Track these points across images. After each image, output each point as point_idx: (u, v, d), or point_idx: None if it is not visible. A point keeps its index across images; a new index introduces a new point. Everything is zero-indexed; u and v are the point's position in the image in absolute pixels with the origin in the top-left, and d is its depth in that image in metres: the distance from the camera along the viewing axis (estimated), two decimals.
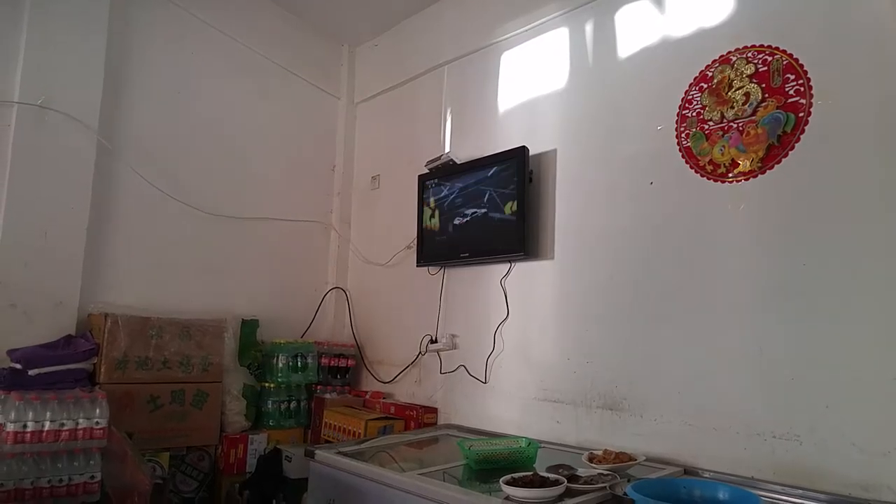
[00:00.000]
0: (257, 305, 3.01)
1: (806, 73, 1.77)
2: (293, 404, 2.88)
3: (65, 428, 1.88)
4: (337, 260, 3.44)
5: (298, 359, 2.89)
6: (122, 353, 2.32)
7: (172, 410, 2.44)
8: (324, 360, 3.02)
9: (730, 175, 1.90)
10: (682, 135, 2.04)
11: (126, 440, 2.06)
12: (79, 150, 2.43)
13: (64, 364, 2.19)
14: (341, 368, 3.10)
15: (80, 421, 1.92)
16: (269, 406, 2.81)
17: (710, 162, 1.95)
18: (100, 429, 1.94)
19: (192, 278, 2.83)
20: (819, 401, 1.65)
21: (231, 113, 3.06)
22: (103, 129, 2.51)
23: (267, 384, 2.83)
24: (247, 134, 3.12)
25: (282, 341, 2.89)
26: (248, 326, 2.89)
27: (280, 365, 2.84)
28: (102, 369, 2.28)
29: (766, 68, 1.86)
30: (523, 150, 2.42)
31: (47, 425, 1.85)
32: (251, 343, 2.88)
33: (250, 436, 2.67)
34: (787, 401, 1.71)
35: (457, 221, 2.67)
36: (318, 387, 2.98)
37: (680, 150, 2.03)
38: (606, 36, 2.32)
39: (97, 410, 1.95)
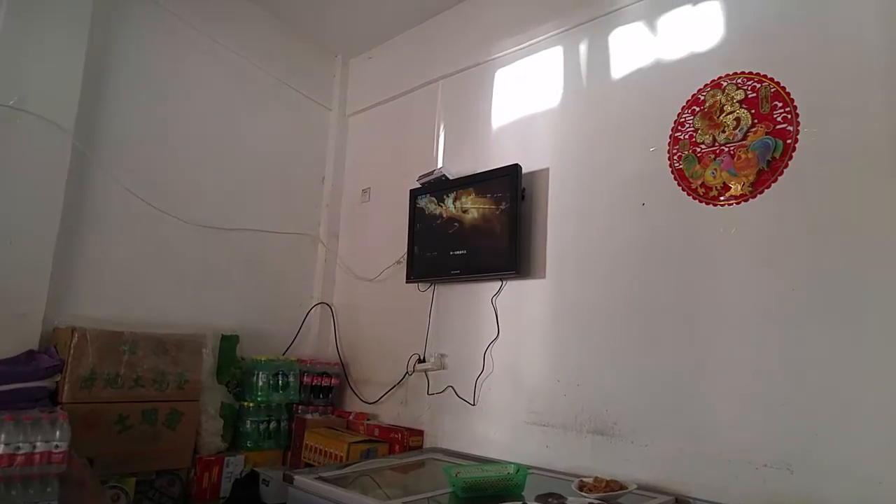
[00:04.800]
0: (239, 320, 2.92)
1: (793, 100, 1.79)
2: (273, 425, 2.77)
3: (20, 452, 1.75)
4: (323, 274, 3.36)
5: (280, 377, 2.79)
6: (88, 369, 2.19)
7: (142, 431, 2.30)
8: (306, 379, 2.93)
9: (721, 198, 1.90)
10: (675, 157, 2.03)
11: (86, 466, 1.93)
12: (52, 153, 2.30)
13: (24, 382, 2.04)
14: (324, 387, 3.01)
15: (38, 444, 1.79)
16: (248, 426, 2.69)
17: (703, 185, 1.95)
18: (59, 453, 1.82)
19: (170, 291, 2.73)
20: (810, 428, 1.63)
21: (218, 121, 2.99)
22: (80, 132, 2.40)
23: (246, 403, 2.72)
24: (234, 143, 3.05)
25: (263, 358, 2.79)
26: (228, 342, 2.79)
27: (260, 383, 2.74)
28: (66, 388, 2.13)
29: (755, 94, 1.87)
30: (516, 167, 2.40)
31: (1, 448, 1.73)
32: (231, 359, 2.78)
33: (226, 458, 2.53)
34: (779, 427, 1.68)
35: (448, 238, 2.63)
36: (300, 406, 2.89)
37: (672, 172, 2.03)
38: (600, 56, 2.33)
39: (57, 433, 1.83)
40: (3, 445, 1.73)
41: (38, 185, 2.28)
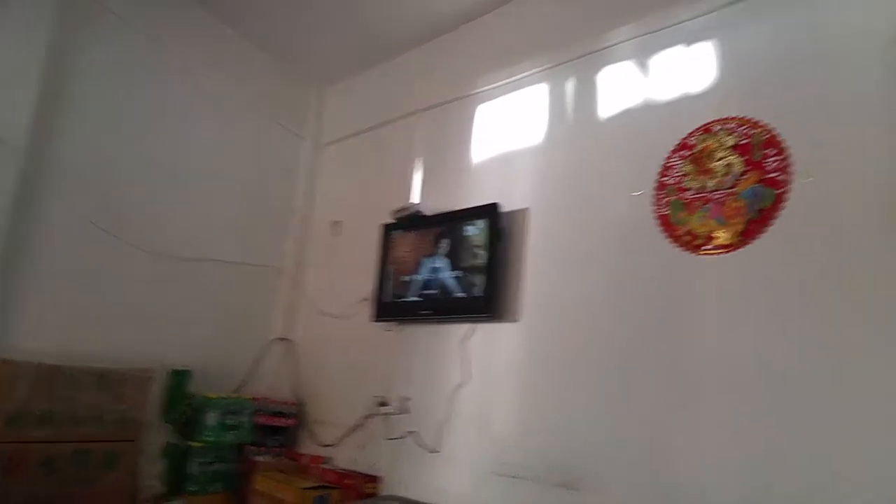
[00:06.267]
0: (193, 354, 2.74)
1: (786, 149, 1.73)
2: (221, 466, 2.59)
3: None
4: (286, 308, 3.20)
5: (232, 416, 2.62)
6: (18, 406, 2.02)
7: (74, 474, 2.13)
8: (260, 419, 2.75)
9: (707, 247, 1.82)
10: (661, 202, 1.95)
11: None
12: None
13: None
14: (279, 428, 2.82)
15: None
16: (194, 468, 2.51)
17: (689, 232, 1.86)
18: None
19: (121, 323, 2.55)
20: (803, 494, 1.52)
21: (184, 146, 2.86)
22: (32, 154, 2.27)
23: (193, 443, 2.53)
24: (200, 169, 2.91)
25: (214, 396, 2.61)
26: (179, 377, 2.62)
27: (210, 422, 2.57)
28: None
29: (747, 141, 1.81)
30: (495, 206, 2.31)
31: None
32: (180, 396, 2.59)
33: (167, 503, 2.35)
34: (765, 487, 1.57)
35: (419, 276, 2.51)
36: (252, 448, 2.70)
37: (657, 217, 1.95)
38: (587, 95, 2.27)
39: None
40: None
41: None
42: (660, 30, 2.09)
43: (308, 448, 2.86)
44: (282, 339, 3.14)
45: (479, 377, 2.29)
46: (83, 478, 2.13)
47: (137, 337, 2.59)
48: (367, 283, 2.77)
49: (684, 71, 2.02)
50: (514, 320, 2.24)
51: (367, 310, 2.73)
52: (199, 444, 2.52)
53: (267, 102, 3.25)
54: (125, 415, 2.29)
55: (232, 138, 3.07)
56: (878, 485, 1.42)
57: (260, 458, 2.64)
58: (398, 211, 2.69)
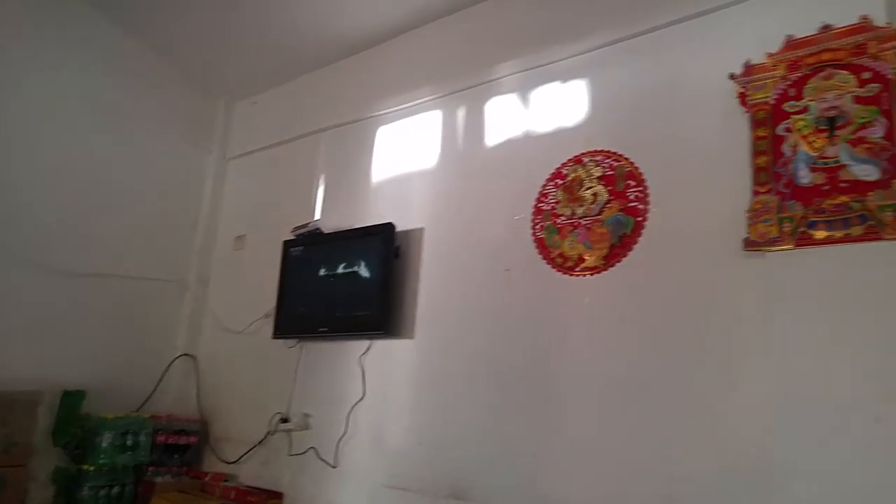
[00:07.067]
0: (90, 374, 2.66)
1: (644, 181, 1.92)
2: (115, 490, 2.52)
3: None
4: (189, 324, 3.16)
5: (129, 436, 2.56)
6: None
7: None
8: (160, 438, 2.70)
9: (577, 269, 1.98)
10: (537, 226, 2.11)
11: None
12: None
13: None
14: (181, 447, 2.78)
15: None
16: (86, 493, 2.44)
17: (561, 255, 2.03)
18: None
19: (7, 342, 2.45)
20: (664, 497, 1.66)
21: (80, 156, 2.78)
22: None
23: (86, 467, 2.46)
24: (97, 179, 2.84)
25: (110, 416, 2.54)
26: (72, 398, 2.52)
27: (104, 444, 2.49)
28: None
29: (612, 172, 1.99)
30: (390, 226, 2.41)
31: None
32: (72, 418, 2.50)
33: None
34: (632, 497, 1.71)
35: (318, 293, 2.56)
36: (151, 468, 2.65)
37: (534, 240, 2.10)
38: (476, 123, 2.41)
39: None
40: None
41: None
42: (539, 66, 2.26)
43: (211, 466, 2.84)
44: (185, 356, 3.10)
45: (375, 392, 2.37)
46: None
47: (27, 357, 2.50)
48: (268, 298, 2.79)
49: (560, 105, 2.19)
50: (409, 337, 2.33)
51: (269, 326, 2.75)
52: (92, 468, 2.45)
53: (172, 114, 3.20)
54: (11, 439, 2.21)
55: (132, 149, 3.00)
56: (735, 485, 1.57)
57: (159, 479, 2.60)
58: (298, 228, 2.73)
